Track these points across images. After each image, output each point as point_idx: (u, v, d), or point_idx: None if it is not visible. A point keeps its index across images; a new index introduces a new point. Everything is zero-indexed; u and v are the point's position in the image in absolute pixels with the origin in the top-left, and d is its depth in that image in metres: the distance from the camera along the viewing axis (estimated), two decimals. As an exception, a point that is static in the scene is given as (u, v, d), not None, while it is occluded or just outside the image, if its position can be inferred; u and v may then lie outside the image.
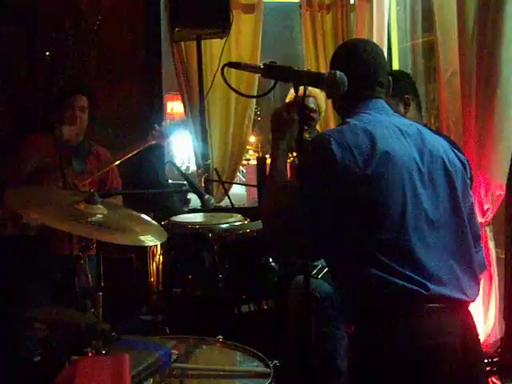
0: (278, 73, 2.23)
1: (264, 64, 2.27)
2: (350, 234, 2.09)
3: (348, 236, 2.09)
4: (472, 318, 2.18)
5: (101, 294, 2.17)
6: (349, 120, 2.24)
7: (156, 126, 4.19)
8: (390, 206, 2.06)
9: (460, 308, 2.11)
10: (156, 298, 3.87)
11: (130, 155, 4.08)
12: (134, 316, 4.13)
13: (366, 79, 2.33)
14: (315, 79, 2.15)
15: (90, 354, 1.90)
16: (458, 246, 2.16)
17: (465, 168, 2.31)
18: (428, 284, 2.02)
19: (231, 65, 2.37)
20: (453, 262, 2.12)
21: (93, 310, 2.36)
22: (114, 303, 2.83)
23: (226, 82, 2.45)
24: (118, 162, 4.09)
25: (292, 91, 2.25)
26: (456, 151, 2.33)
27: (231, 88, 2.58)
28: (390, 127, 2.20)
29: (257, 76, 5.14)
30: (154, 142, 4.17)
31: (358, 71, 2.31)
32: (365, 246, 2.06)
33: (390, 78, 2.42)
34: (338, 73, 2.10)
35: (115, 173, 4.22)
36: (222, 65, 2.37)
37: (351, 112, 2.29)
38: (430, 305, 2.03)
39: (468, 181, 2.32)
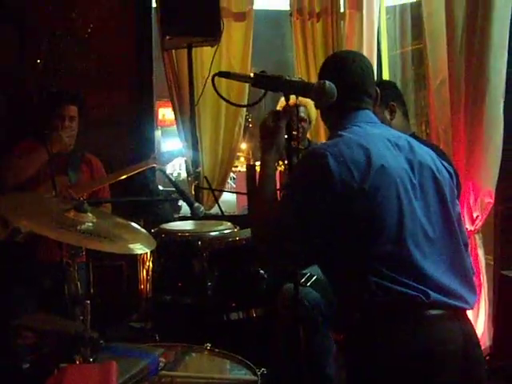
0: (267, 82, 2.26)
1: (254, 73, 2.28)
2: (347, 246, 2.10)
3: (345, 248, 2.10)
4: (472, 325, 2.19)
5: (89, 302, 2.17)
6: (341, 133, 2.24)
7: (156, 150, 4.22)
8: (387, 219, 2.07)
9: (460, 315, 2.12)
10: (146, 306, 3.86)
11: (128, 175, 4.07)
12: (124, 323, 4.13)
13: (355, 90, 2.34)
14: (304, 89, 2.18)
15: (77, 362, 1.90)
16: (452, 254, 2.17)
17: (451, 178, 2.34)
18: (428, 291, 2.03)
19: (221, 74, 2.39)
20: (449, 271, 2.13)
21: (82, 317, 2.35)
22: (104, 310, 2.83)
23: (216, 91, 2.46)
24: (116, 180, 4.08)
25: (282, 99, 2.26)
26: (442, 161, 2.35)
27: (221, 97, 2.60)
28: (382, 140, 2.21)
29: (247, 84, 5.16)
30: (153, 165, 4.17)
31: (347, 82, 2.31)
32: (362, 257, 2.07)
33: (378, 89, 2.44)
34: (327, 83, 2.12)
35: (106, 185, 4.22)
36: (212, 73, 2.40)
37: (341, 125, 2.30)
38: (431, 311, 2.04)
39: (455, 190, 2.34)
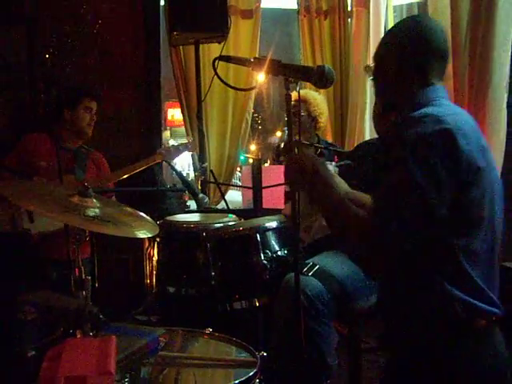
0: (267, 66, 2.28)
1: (254, 57, 2.32)
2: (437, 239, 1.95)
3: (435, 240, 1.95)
4: None
5: (89, 277, 2.20)
6: (442, 104, 2.07)
7: (164, 145, 4.24)
8: (485, 211, 1.97)
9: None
10: (151, 299, 3.88)
11: (136, 171, 4.10)
12: (129, 316, 4.14)
13: (442, 60, 2.17)
14: (303, 72, 2.21)
15: (78, 336, 1.93)
16: (497, 263, 2.08)
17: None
18: (497, 302, 1.99)
19: (222, 58, 2.43)
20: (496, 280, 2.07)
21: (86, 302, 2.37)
22: (109, 304, 2.85)
23: (217, 75, 2.50)
24: (122, 177, 4.10)
25: (295, 93, 2.26)
26: None
27: (223, 81, 2.64)
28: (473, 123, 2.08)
29: (254, 81, 5.19)
30: (159, 161, 4.19)
31: (436, 51, 2.14)
32: (454, 250, 1.94)
33: None
34: (327, 66, 2.16)
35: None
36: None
37: (426, 97, 2.10)
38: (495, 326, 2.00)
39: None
